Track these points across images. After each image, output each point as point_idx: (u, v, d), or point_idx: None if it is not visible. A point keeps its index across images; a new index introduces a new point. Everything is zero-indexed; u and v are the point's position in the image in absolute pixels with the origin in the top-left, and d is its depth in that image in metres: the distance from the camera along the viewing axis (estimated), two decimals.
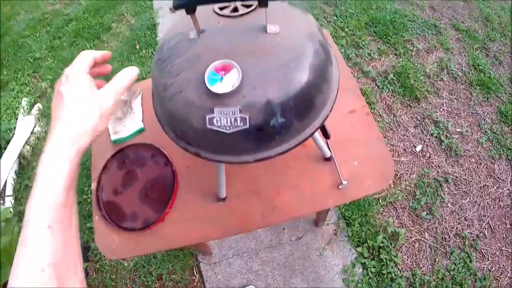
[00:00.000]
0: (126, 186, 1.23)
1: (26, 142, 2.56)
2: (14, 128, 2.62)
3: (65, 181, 0.51)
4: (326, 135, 0.98)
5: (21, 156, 2.49)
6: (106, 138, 1.31)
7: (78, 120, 0.54)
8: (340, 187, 1.08)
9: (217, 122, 0.69)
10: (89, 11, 3.44)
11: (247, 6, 0.78)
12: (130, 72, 0.63)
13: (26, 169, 2.45)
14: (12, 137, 2.54)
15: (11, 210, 2.23)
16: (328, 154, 1.09)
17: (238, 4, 0.78)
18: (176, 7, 0.69)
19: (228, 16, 0.78)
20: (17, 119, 2.70)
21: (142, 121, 1.31)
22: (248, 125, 0.69)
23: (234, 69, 0.69)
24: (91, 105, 0.56)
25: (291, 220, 1.92)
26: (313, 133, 0.79)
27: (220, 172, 1.02)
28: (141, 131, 1.30)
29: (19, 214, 2.23)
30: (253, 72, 0.69)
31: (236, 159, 0.78)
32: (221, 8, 0.79)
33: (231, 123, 0.69)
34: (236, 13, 0.77)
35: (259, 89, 0.69)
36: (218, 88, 0.68)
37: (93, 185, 1.23)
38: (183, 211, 1.16)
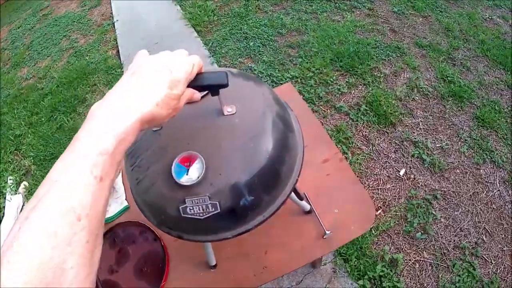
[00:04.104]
0: (120, 264, 1.25)
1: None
2: (4, 207, 2.62)
3: (120, 138, 0.48)
4: (299, 197, 1.02)
5: None
6: None
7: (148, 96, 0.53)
8: (324, 237, 1.11)
9: (190, 211, 0.73)
10: (63, 84, 3.48)
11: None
12: (196, 95, 0.66)
13: None
14: (2, 217, 2.54)
15: None
16: (307, 208, 1.12)
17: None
18: None
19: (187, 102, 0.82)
20: (5, 198, 2.70)
21: (126, 199, 1.34)
22: (219, 210, 0.72)
23: (198, 160, 0.72)
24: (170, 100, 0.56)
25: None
26: (285, 200, 0.83)
27: (206, 244, 1.05)
28: (126, 209, 1.33)
29: None
30: (216, 158, 0.73)
31: (216, 237, 0.81)
32: None
33: (203, 210, 0.72)
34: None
35: (224, 174, 0.72)
36: (186, 180, 0.71)
37: None
38: (179, 281, 1.17)
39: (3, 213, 2.56)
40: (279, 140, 0.78)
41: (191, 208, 0.72)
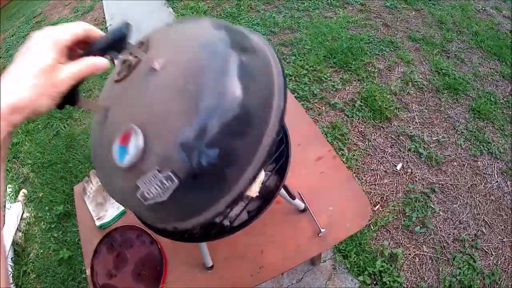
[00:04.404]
0: (118, 268, 1.26)
1: (17, 229, 2.55)
2: (4, 216, 2.63)
3: None
4: (291, 196, 1.02)
5: (14, 243, 2.48)
6: (92, 224, 1.34)
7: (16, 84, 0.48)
8: (320, 234, 1.11)
9: (148, 195, 0.60)
10: None
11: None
12: (98, 62, 0.56)
13: (21, 255, 2.44)
14: (3, 225, 2.55)
15: None
16: (301, 206, 1.12)
17: (127, 57, 0.68)
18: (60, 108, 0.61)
19: (125, 76, 0.67)
20: (5, 206, 2.70)
21: None
22: (178, 180, 0.58)
23: (132, 132, 0.60)
24: (40, 80, 0.49)
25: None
26: (275, 138, 0.67)
27: (201, 244, 1.05)
28: (123, 213, 1.34)
29: None
30: (154, 122, 0.60)
31: (207, 216, 0.66)
32: (118, 76, 0.69)
33: (160, 188, 0.59)
34: (130, 70, 0.67)
35: (166, 135, 0.59)
36: (128, 160, 0.60)
37: (88, 271, 1.25)
38: (177, 283, 1.19)
39: (3, 222, 2.57)
40: (233, 68, 0.62)
41: (148, 192, 0.60)
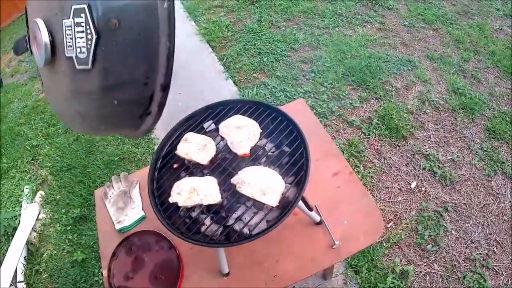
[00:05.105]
0: (135, 271, 1.30)
1: (32, 229, 2.59)
2: (19, 215, 2.68)
3: None
4: (308, 207, 1.05)
5: (29, 242, 2.53)
6: (112, 228, 1.38)
7: None
8: (333, 247, 1.14)
9: (80, 52, 0.54)
10: None
11: None
12: None
13: (35, 255, 2.49)
14: (18, 224, 2.59)
15: None
16: (317, 219, 1.15)
17: None
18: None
19: None
20: (21, 206, 2.75)
21: (143, 209, 1.39)
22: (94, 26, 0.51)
23: (35, 26, 0.56)
24: None
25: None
26: None
27: (219, 250, 1.08)
28: (143, 218, 1.38)
29: None
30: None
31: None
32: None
33: (82, 34, 0.53)
34: None
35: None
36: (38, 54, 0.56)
37: (104, 273, 1.29)
38: None
39: (19, 221, 2.62)
40: None
41: (78, 50, 0.53)
